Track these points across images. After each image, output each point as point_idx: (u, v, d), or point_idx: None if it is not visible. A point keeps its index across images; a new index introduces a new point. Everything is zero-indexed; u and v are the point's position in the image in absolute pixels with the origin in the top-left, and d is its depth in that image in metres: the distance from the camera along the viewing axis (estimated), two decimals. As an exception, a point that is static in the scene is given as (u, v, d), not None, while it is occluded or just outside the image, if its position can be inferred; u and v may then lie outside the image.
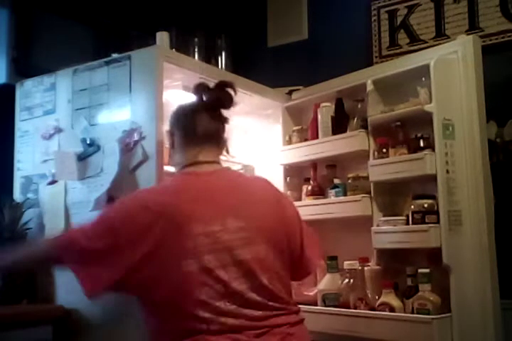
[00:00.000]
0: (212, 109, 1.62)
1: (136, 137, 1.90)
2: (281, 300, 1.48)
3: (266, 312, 1.43)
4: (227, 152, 1.69)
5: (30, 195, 2.14)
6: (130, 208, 1.47)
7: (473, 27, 2.69)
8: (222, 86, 1.63)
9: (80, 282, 1.46)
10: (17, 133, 2.25)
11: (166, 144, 1.81)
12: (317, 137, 2.36)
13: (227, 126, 1.68)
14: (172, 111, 1.70)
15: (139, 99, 1.93)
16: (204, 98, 1.63)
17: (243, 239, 1.45)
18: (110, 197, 1.92)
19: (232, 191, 1.55)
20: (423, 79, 2.03)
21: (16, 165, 2.22)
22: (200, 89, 1.65)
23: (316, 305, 2.13)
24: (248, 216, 1.50)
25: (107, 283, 1.43)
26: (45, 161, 2.13)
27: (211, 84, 1.65)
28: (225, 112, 1.65)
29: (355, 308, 2.03)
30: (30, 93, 2.24)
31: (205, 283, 1.38)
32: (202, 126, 1.60)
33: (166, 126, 1.74)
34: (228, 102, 1.62)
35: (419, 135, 2.03)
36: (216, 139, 1.63)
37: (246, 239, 1.46)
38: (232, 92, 1.62)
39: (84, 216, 1.97)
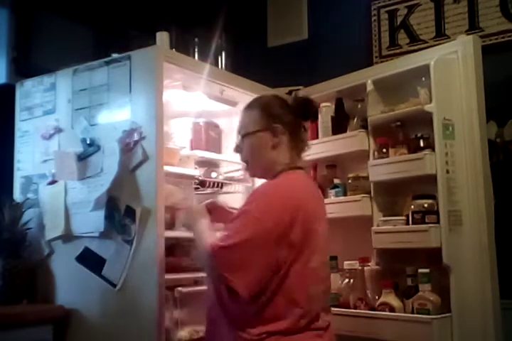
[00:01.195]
0: (308, 120, 1.70)
1: (136, 137, 1.90)
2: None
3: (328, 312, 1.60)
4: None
5: (30, 195, 2.14)
6: (276, 208, 1.47)
7: (473, 27, 2.69)
8: (311, 100, 1.68)
9: (234, 286, 1.42)
10: (17, 133, 2.25)
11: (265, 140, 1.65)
12: (317, 137, 2.36)
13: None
14: (279, 106, 1.65)
15: (139, 99, 1.93)
16: (305, 109, 1.66)
17: (326, 242, 1.59)
18: (110, 197, 1.93)
19: (319, 195, 1.69)
20: (423, 79, 2.03)
21: (16, 165, 2.22)
22: (308, 101, 1.67)
23: (316, 305, 2.13)
24: (326, 219, 1.64)
25: (253, 285, 1.44)
26: (45, 161, 2.13)
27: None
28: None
29: (355, 308, 2.03)
30: (30, 93, 2.24)
31: (319, 278, 1.52)
32: (304, 135, 1.68)
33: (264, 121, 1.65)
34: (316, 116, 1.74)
35: (419, 135, 2.03)
36: (306, 148, 1.68)
37: (326, 242, 1.59)
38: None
39: (84, 216, 1.97)
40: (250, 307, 1.45)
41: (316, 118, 1.70)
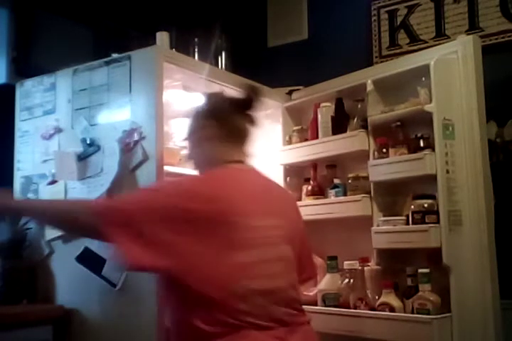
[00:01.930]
0: (248, 110, 1.64)
1: (136, 137, 1.90)
2: (301, 301, 1.54)
3: (295, 311, 1.48)
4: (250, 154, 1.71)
5: (30, 195, 2.14)
6: (186, 197, 1.41)
7: (473, 27, 2.69)
8: (254, 90, 1.65)
9: (124, 255, 1.35)
10: (17, 133, 2.25)
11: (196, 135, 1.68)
12: (317, 137, 2.36)
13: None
14: (211, 102, 1.67)
15: (139, 99, 1.93)
16: (249, 99, 1.63)
17: (280, 236, 1.50)
18: (110, 197, 1.92)
19: (268, 190, 1.60)
20: (423, 79, 2.03)
21: (16, 165, 2.22)
22: (253, 90, 1.65)
23: (316, 305, 2.13)
24: (284, 216, 1.56)
25: (156, 268, 1.39)
26: (45, 161, 2.13)
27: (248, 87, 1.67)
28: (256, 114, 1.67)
29: (355, 308, 2.03)
30: (30, 93, 2.24)
31: (254, 275, 1.40)
32: (243, 125, 1.62)
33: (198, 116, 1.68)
34: (257, 106, 1.65)
35: (419, 135, 2.03)
36: (248, 140, 1.65)
37: (283, 237, 1.51)
38: (260, 97, 1.65)
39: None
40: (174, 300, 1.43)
41: (254, 108, 1.62)
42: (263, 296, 1.40)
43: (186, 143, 1.69)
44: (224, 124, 1.60)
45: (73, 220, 1.46)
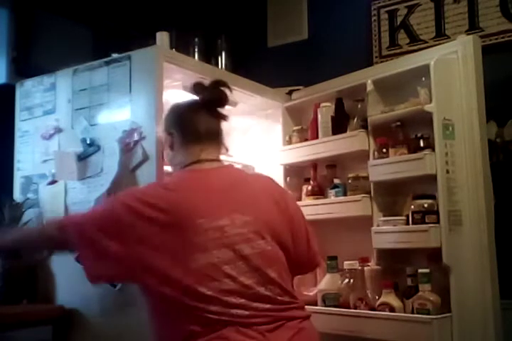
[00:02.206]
0: (211, 107, 1.63)
1: (136, 137, 1.90)
2: (290, 294, 1.49)
3: (275, 305, 1.43)
4: (227, 150, 1.70)
5: (30, 195, 2.14)
6: (136, 204, 1.43)
7: (473, 27, 2.69)
8: (218, 84, 1.63)
9: (83, 268, 1.45)
10: (17, 133, 2.25)
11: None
12: (317, 137, 2.36)
13: (227, 126, 1.67)
14: (167, 111, 1.70)
15: (139, 99, 1.93)
16: (202, 96, 1.63)
17: (250, 233, 1.46)
18: (110, 197, 1.92)
19: (236, 187, 1.55)
20: (423, 79, 2.03)
21: (16, 165, 2.22)
22: (198, 87, 1.65)
23: (316, 305, 2.13)
24: (253, 211, 1.51)
25: (111, 278, 1.48)
26: (45, 161, 2.13)
27: (207, 83, 1.65)
28: (222, 110, 1.65)
29: (355, 308, 2.03)
30: (30, 93, 2.24)
31: (214, 277, 1.38)
32: (202, 124, 1.60)
33: (163, 127, 1.73)
34: (224, 100, 1.63)
35: (419, 135, 2.03)
36: (216, 137, 1.64)
37: (253, 233, 1.46)
38: (227, 91, 1.63)
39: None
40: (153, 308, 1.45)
41: (215, 105, 1.62)
42: (234, 296, 1.38)
43: None
44: (181, 129, 1.61)
45: (45, 238, 1.59)
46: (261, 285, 1.43)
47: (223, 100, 1.63)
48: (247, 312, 1.38)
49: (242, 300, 1.39)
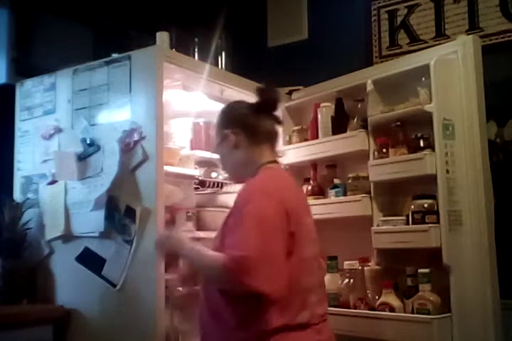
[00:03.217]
0: (271, 110, 1.65)
1: (136, 137, 1.90)
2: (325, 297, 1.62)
3: (326, 304, 1.59)
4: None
5: (30, 195, 2.14)
6: (267, 206, 1.44)
7: (473, 27, 2.69)
8: (272, 88, 1.65)
9: (258, 289, 1.36)
10: (17, 133, 2.25)
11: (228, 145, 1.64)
12: (317, 137, 2.36)
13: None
14: (225, 111, 1.69)
15: (139, 99, 1.93)
16: (263, 99, 1.63)
17: (315, 233, 1.59)
18: (110, 197, 1.93)
19: (298, 189, 1.68)
20: (423, 79, 2.03)
21: (16, 165, 2.22)
22: (263, 91, 1.64)
23: (316, 305, 2.13)
24: (310, 212, 1.63)
25: (282, 284, 1.41)
26: (45, 161, 2.13)
27: (264, 86, 1.66)
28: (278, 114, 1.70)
29: (355, 308, 2.03)
30: (30, 93, 2.24)
31: (311, 270, 1.51)
32: (269, 126, 1.64)
33: (222, 127, 1.67)
34: (277, 104, 1.66)
35: (419, 135, 2.03)
36: (277, 140, 1.67)
37: (314, 233, 1.59)
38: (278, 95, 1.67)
39: (84, 216, 1.97)
40: (242, 306, 1.43)
41: (276, 108, 1.64)
42: (315, 292, 1.50)
43: (218, 157, 1.73)
44: (248, 129, 1.61)
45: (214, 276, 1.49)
46: (323, 284, 1.61)
47: (277, 104, 1.67)
48: (316, 311, 1.49)
49: (315, 298, 1.50)
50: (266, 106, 1.63)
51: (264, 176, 1.56)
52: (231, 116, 1.66)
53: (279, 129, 1.68)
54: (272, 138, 1.64)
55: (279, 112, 2.51)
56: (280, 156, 1.70)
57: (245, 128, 1.61)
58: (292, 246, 1.44)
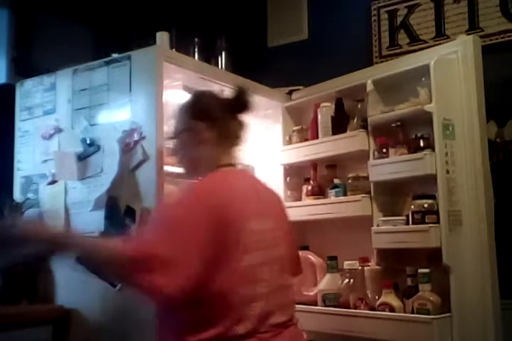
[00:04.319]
0: (243, 113, 1.63)
1: (136, 137, 1.90)
2: (293, 303, 1.56)
3: (285, 313, 1.48)
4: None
5: (30, 195, 2.14)
6: (195, 207, 1.41)
7: (473, 27, 2.69)
8: (244, 92, 1.63)
9: (153, 287, 1.32)
10: (17, 133, 2.25)
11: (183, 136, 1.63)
12: (317, 137, 2.36)
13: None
14: (194, 99, 1.65)
15: (139, 99, 1.93)
16: (237, 101, 1.62)
17: (280, 237, 1.53)
18: (110, 197, 1.93)
19: (259, 192, 1.60)
20: (423, 79, 2.03)
21: (16, 165, 2.22)
22: (241, 92, 1.63)
23: (316, 305, 2.13)
24: (276, 216, 1.59)
25: (186, 284, 1.35)
26: (45, 161, 2.13)
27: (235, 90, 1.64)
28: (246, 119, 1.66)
29: (355, 308, 2.03)
30: (30, 93, 2.24)
31: (256, 278, 1.42)
32: (241, 128, 1.62)
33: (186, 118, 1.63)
34: (248, 108, 1.64)
35: (419, 135, 2.03)
36: (239, 143, 1.64)
37: (281, 237, 1.54)
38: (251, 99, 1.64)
39: (84, 216, 1.97)
40: (181, 313, 1.40)
41: (248, 110, 1.61)
42: (262, 300, 1.41)
43: (173, 142, 1.66)
44: (216, 126, 1.58)
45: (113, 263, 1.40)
46: (285, 289, 1.51)
47: (248, 108, 1.63)
48: (267, 323, 1.41)
49: (269, 308, 1.42)
50: (237, 107, 1.61)
51: (213, 179, 1.53)
52: (202, 108, 1.61)
53: (243, 133, 1.63)
54: (235, 140, 1.61)
55: (277, 112, 2.55)
56: (238, 160, 1.64)
57: (214, 126, 1.58)
58: (228, 253, 1.38)
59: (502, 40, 2.61)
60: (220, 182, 1.52)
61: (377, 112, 2.14)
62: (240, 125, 1.61)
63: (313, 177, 2.40)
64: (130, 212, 1.88)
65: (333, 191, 2.28)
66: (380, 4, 3.01)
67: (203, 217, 1.38)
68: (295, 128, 2.49)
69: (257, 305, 1.40)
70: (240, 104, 1.60)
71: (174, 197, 1.53)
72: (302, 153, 2.39)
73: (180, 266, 1.32)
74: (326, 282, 2.14)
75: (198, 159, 1.60)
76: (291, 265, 1.65)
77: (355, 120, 2.24)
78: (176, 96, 2.15)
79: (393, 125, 2.11)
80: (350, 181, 2.23)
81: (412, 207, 1.99)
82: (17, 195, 2.18)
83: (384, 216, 2.11)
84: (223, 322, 1.36)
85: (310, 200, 2.35)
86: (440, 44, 2.41)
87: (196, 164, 1.61)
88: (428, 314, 1.83)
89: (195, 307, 1.38)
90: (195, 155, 1.60)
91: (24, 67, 2.45)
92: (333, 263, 2.14)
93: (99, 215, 1.93)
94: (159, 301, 1.42)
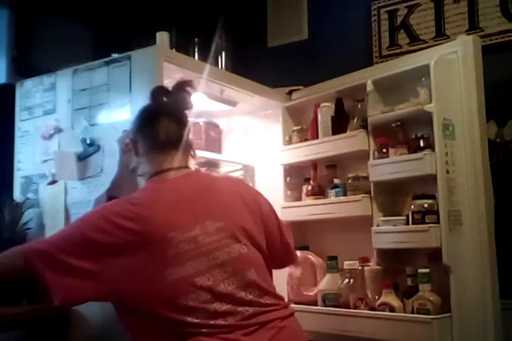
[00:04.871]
0: (173, 112, 1.59)
1: (136, 137, 1.90)
2: (272, 295, 1.48)
3: (257, 308, 1.42)
4: (193, 156, 1.65)
5: (30, 195, 2.14)
6: (103, 223, 1.40)
7: (473, 27, 2.69)
8: (181, 86, 1.61)
9: (51, 290, 1.38)
10: (17, 133, 2.25)
11: None
12: (317, 137, 2.36)
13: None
14: (134, 117, 1.66)
15: (139, 99, 1.93)
16: (163, 102, 1.61)
17: (224, 238, 1.45)
18: (110, 197, 1.92)
19: (205, 193, 1.53)
20: (423, 79, 2.03)
21: (16, 165, 2.22)
22: (158, 93, 1.62)
23: (316, 305, 2.13)
24: (225, 215, 1.49)
25: (82, 297, 1.42)
26: (45, 161, 2.13)
27: (170, 86, 1.63)
28: (186, 114, 1.62)
29: (355, 308, 2.03)
30: (30, 93, 2.24)
31: (191, 289, 1.36)
32: (164, 131, 1.55)
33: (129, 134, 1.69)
34: (188, 104, 1.60)
35: (419, 135, 2.03)
36: (179, 144, 1.57)
37: (227, 238, 1.45)
38: (191, 91, 1.60)
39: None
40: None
41: (185, 107, 1.58)
42: (212, 304, 1.37)
43: None
44: (145, 137, 1.58)
45: (10, 271, 1.47)
46: (242, 290, 1.42)
47: (187, 103, 1.60)
48: (226, 322, 1.37)
49: (226, 307, 1.38)
50: (163, 109, 1.59)
51: (135, 195, 1.52)
52: (133, 123, 1.63)
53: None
54: (172, 143, 1.56)
55: (277, 112, 2.55)
56: (185, 161, 1.59)
57: (141, 136, 1.59)
58: (153, 267, 1.36)
59: (502, 40, 2.61)
60: (138, 196, 1.50)
61: (377, 112, 2.14)
62: (173, 126, 1.57)
63: (313, 177, 2.40)
64: (130, 212, 1.88)
65: (333, 191, 2.28)
66: (380, 4, 3.01)
67: (105, 230, 1.38)
68: (295, 128, 2.49)
69: (198, 312, 1.35)
70: (177, 102, 1.59)
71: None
72: (302, 153, 2.39)
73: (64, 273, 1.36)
74: (326, 282, 2.14)
75: (140, 173, 1.65)
76: (280, 255, 1.64)
77: (355, 120, 2.24)
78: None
79: (393, 125, 2.11)
80: (350, 181, 2.23)
81: (412, 207, 1.99)
82: (17, 195, 2.18)
83: (384, 216, 2.11)
84: (163, 330, 1.36)
85: (310, 200, 2.35)
86: (440, 44, 2.41)
87: (140, 173, 1.65)
88: (428, 314, 1.83)
89: (134, 318, 1.41)
90: (138, 170, 1.65)
91: (24, 67, 2.44)
92: (333, 263, 2.14)
93: (99, 215, 1.93)
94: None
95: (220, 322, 1.36)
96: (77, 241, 1.40)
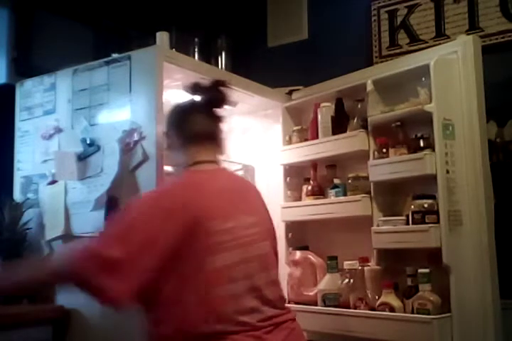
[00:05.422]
0: (208, 108, 1.63)
1: (136, 137, 1.90)
2: (283, 298, 1.54)
3: (275, 310, 1.46)
4: (223, 153, 1.68)
5: (30, 195, 2.14)
6: (152, 208, 1.42)
7: (473, 27, 2.69)
8: (217, 85, 1.63)
9: (102, 294, 1.33)
10: (17, 133, 2.25)
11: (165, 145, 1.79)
12: (317, 137, 2.36)
13: (226, 126, 1.67)
14: (168, 112, 1.70)
15: (139, 99, 1.93)
16: (199, 97, 1.64)
17: (256, 234, 1.49)
18: (110, 197, 1.92)
19: (236, 188, 1.59)
20: (423, 79, 2.03)
21: (16, 165, 2.22)
22: (195, 88, 1.65)
23: (316, 305, 2.13)
24: (256, 212, 1.56)
25: (134, 289, 1.35)
26: (45, 161, 2.13)
27: (206, 83, 1.65)
28: (221, 111, 1.65)
29: (355, 308, 2.03)
30: (30, 93, 2.24)
31: (231, 279, 1.39)
32: (199, 125, 1.61)
33: (163, 128, 1.74)
34: (222, 102, 1.64)
35: (419, 135, 2.03)
36: (214, 138, 1.63)
37: (258, 234, 1.50)
38: (226, 91, 1.64)
39: (84, 216, 1.97)
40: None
41: (217, 106, 1.62)
42: (242, 297, 1.39)
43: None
44: (180, 130, 1.61)
45: (56, 277, 1.44)
46: (267, 288, 1.46)
47: (222, 101, 1.64)
48: (253, 320, 1.38)
49: (254, 303, 1.41)
50: (201, 104, 1.62)
51: (176, 181, 1.56)
52: (168, 117, 1.68)
53: (222, 127, 1.65)
54: (207, 137, 1.60)
55: (277, 112, 2.55)
56: (218, 155, 1.64)
57: (176, 130, 1.63)
58: (190, 255, 1.36)
59: (502, 40, 2.61)
60: (184, 183, 1.53)
61: (377, 112, 2.14)
62: (208, 121, 1.62)
63: (313, 177, 2.40)
64: (130, 212, 1.88)
65: (333, 191, 2.28)
66: (380, 4, 3.01)
67: (158, 219, 1.37)
68: (295, 128, 2.49)
69: (231, 304, 1.37)
70: (212, 99, 1.62)
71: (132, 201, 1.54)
72: (302, 153, 2.39)
73: (129, 269, 1.32)
74: (326, 282, 2.14)
75: (173, 164, 1.69)
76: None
77: (355, 120, 2.24)
78: (175, 96, 2.15)
79: (393, 125, 2.10)
80: (350, 181, 2.23)
81: (412, 207, 1.99)
82: (17, 195, 2.18)
83: (384, 216, 2.11)
84: (184, 324, 1.36)
85: (310, 200, 2.35)
86: (440, 44, 2.41)
87: (174, 168, 1.70)
88: (428, 314, 1.83)
89: (167, 310, 1.38)
90: (170, 161, 1.69)
91: (24, 67, 2.45)
92: (333, 263, 2.14)
93: (99, 215, 1.93)
94: (106, 305, 1.35)
95: (245, 319, 1.38)
96: (127, 232, 1.38)
